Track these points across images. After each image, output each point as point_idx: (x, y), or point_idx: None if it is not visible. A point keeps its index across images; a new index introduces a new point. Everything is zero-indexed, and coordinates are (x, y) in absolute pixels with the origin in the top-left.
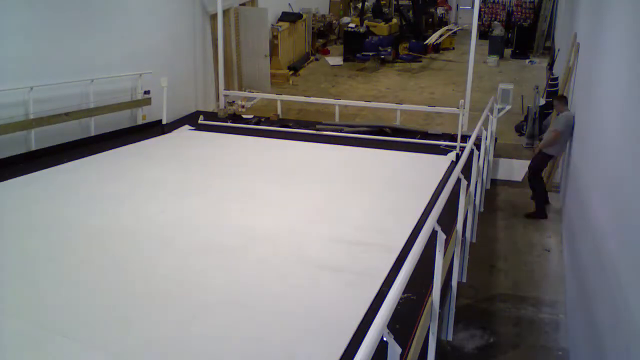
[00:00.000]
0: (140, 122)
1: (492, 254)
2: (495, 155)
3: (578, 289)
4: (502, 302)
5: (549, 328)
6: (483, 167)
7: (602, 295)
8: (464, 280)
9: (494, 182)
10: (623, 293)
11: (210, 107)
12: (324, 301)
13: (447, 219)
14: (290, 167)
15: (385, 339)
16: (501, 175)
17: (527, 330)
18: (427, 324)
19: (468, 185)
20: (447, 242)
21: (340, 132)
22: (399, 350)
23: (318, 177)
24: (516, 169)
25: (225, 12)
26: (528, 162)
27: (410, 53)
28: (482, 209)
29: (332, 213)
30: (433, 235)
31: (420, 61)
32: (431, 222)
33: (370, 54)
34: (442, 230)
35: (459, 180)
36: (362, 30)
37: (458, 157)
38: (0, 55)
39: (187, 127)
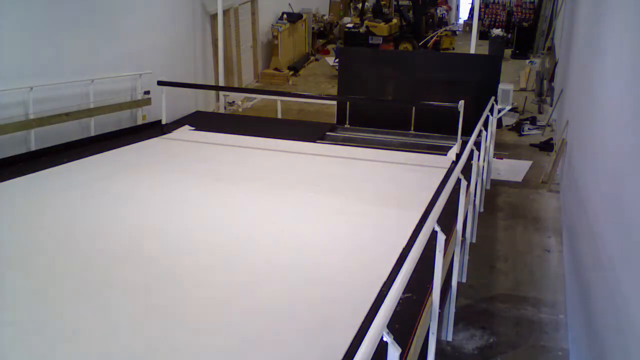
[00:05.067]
0: (140, 122)
1: (492, 254)
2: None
3: (578, 289)
4: (502, 302)
5: (549, 328)
6: (483, 167)
7: (602, 295)
8: (464, 280)
9: (494, 182)
10: (623, 293)
11: (211, 108)
12: (324, 301)
13: (447, 219)
14: (289, 167)
15: (385, 339)
16: (502, 175)
17: (527, 330)
18: (427, 324)
19: (468, 186)
20: (447, 242)
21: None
22: (399, 350)
23: (316, 175)
24: (516, 169)
25: (225, 12)
26: (530, 163)
27: None
28: (482, 209)
29: (331, 212)
30: (433, 235)
31: None
32: (431, 222)
33: None
34: (442, 230)
35: (459, 180)
36: (362, 30)
37: (458, 157)
38: (0, 55)
39: (187, 127)
